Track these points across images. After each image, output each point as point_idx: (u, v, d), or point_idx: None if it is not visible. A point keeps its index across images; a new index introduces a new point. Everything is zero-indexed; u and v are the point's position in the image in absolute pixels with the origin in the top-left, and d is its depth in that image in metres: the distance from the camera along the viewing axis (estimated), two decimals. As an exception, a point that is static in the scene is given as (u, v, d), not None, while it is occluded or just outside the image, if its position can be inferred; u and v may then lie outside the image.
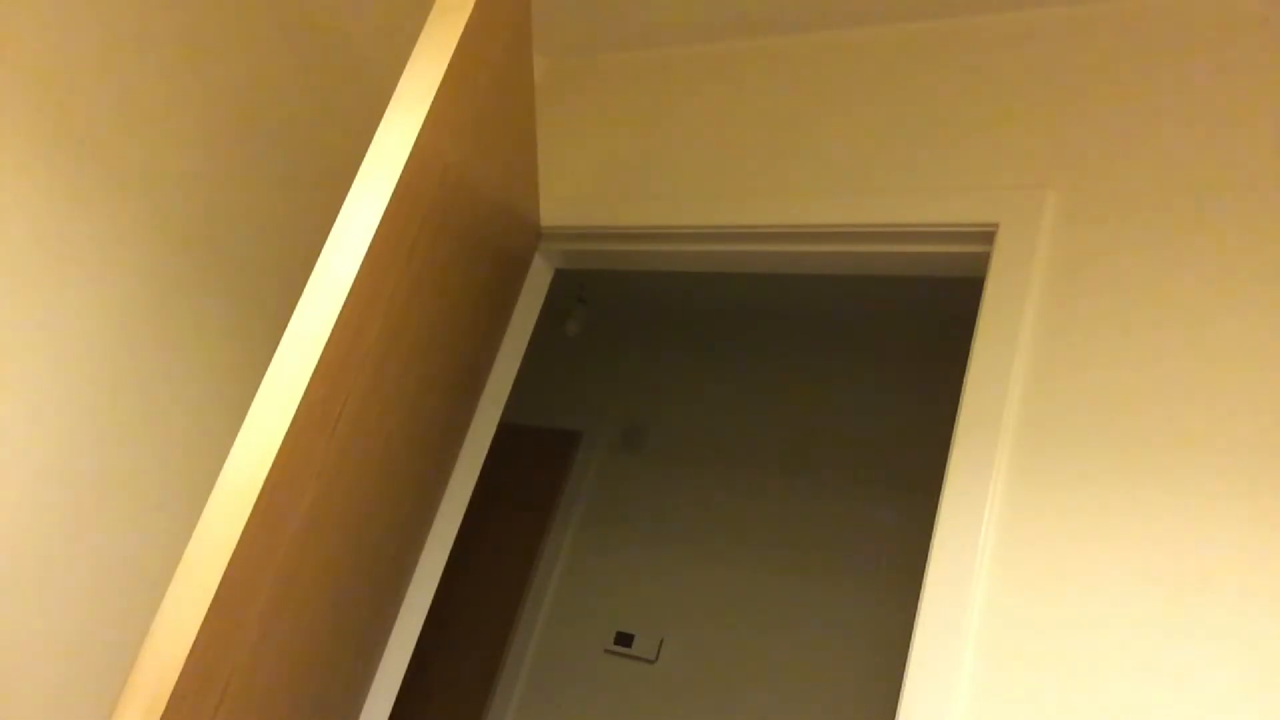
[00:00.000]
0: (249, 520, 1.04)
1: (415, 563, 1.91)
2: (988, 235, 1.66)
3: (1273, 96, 1.53)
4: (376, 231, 1.17)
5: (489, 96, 1.47)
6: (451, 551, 3.08)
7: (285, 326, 1.65)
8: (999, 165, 1.70)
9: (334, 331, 1.12)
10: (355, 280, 1.14)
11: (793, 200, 1.85)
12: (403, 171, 1.19)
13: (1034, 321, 1.54)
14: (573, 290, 3.75)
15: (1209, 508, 1.31)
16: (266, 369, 1.34)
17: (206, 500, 1.46)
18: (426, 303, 1.48)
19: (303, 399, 1.09)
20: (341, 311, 1.13)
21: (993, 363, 1.52)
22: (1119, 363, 1.45)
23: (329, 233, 1.50)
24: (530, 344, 3.75)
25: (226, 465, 1.06)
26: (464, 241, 1.59)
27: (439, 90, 1.23)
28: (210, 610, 1.01)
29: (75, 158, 1.50)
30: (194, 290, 1.70)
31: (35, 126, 1.45)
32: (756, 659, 2.93)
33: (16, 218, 1.43)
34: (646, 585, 3.20)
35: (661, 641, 3.09)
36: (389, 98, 1.90)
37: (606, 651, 3.17)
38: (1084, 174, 1.61)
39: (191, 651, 0.99)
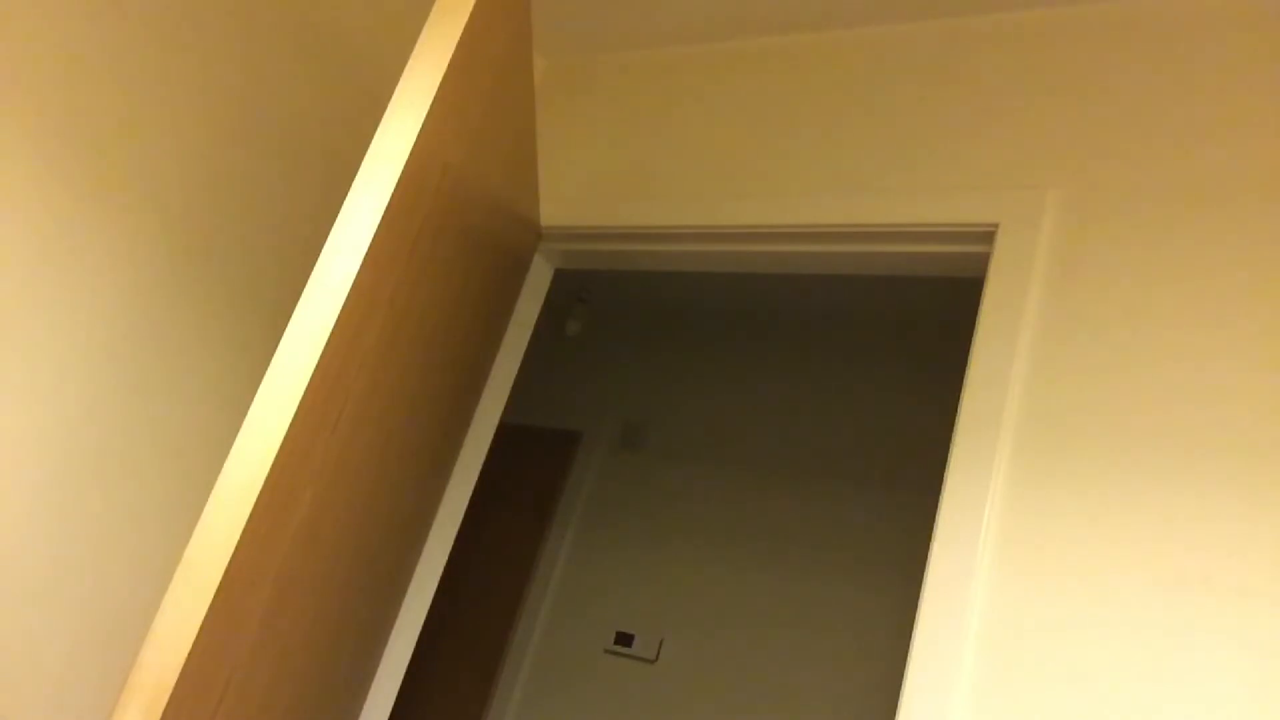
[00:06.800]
0: (249, 520, 1.04)
1: (415, 562, 1.91)
2: (988, 235, 1.66)
3: (1274, 96, 1.52)
4: (376, 231, 1.17)
5: (489, 96, 1.47)
6: (451, 551, 3.08)
7: (285, 326, 1.65)
8: (999, 165, 1.70)
9: (334, 331, 1.12)
10: (355, 280, 1.14)
11: (792, 200, 1.85)
12: (403, 171, 1.19)
13: (1034, 321, 1.54)
14: (573, 290, 3.75)
15: (1209, 507, 1.31)
16: (266, 369, 1.34)
17: (206, 500, 1.47)
18: (426, 303, 1.48)
19: (303, 399, 1.09)
20: (341, 311, 1.13)
21: (993, 363, 1.52)
22: (1119, 362, 1.45)
23: (329, 233, 1.50)
24: (530, 344, 3.75)
25: (226, 465, 1.06)
26: (464, 241, 1.59)
27: (439, 90, 1.23)
28: (210, 610, 1.01)
29: (76, 158, 1.50)
30: (194, 290, 1.70)
31: (36, 127, 1.45)
32: (756, 659, 2.93)
33: (17, 218, 1.43)
34: (646, 585, 3.20)
35: (661, 641, 3.09)
36: (389, 98, 1.90)
37: (606, 651, 3.17)
38: (1084, 174, 1.61)
39: (191, 651, 0.99)
